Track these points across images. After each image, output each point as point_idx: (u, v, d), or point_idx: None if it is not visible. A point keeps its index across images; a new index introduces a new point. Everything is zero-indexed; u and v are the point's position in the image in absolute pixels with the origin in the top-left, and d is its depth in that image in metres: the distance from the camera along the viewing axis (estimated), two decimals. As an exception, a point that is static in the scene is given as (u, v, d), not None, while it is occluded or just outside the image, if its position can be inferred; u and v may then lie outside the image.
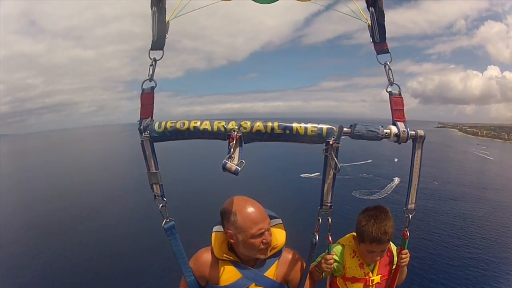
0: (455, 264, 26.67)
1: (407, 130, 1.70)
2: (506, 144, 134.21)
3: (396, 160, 66.80)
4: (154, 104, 1.78)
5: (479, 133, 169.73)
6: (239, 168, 1.57)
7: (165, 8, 1.76)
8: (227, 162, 1.56)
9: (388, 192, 46.86)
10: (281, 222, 1.99)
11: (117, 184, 54.42)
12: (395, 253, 2.12)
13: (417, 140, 1.73)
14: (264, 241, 1.77)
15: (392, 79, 1.78)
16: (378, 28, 1.75)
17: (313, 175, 52.75)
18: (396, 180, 53.56)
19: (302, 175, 57.42)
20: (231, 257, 1.86)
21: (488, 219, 37.42)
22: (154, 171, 1.77)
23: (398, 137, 1.69)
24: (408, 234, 1.97)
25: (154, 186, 1.78)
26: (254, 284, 1.84)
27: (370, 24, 1.78)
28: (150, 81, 1.78)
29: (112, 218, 37.52)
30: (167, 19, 1.78)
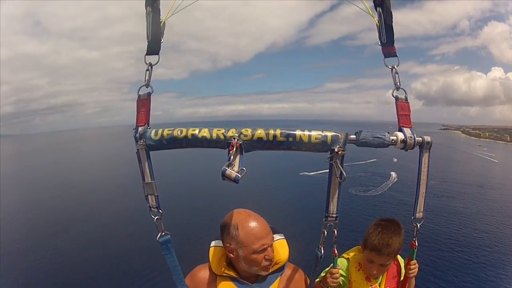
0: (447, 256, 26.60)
1: (414, 136, 1.62)
2: (508, 146, 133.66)
3: (395, 160, 66.98)
4: (150, 111, 1.69)
5: (481, 135, 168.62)
6: (240, 176, 1.47)
7: (159, 9, 1.66)
8: (226, 169, 1.47)
9: (384, 190, 47.15)
10: (284, 237, 1.91)
11: (121, 183, 54.15)
12: (402, 264, 2.07)
13: (424, 146, 1.65)
14: (266, 257, 1.69)
15: (398, 83, 1.70)
16: (385, 29, 1.66)
17: (311, 173, 52.99)
18: (393, 175, 54.05)
19: (301, 174, 57.69)
20: (230, 273, 1.77)
21: (484, 216, 37.39)
22: (150, 181, 1.67)
23: (405, 144, 1.61)
24: (416, 244, 1.89)
25: (149, 197, 1.68)
26: None
27: (378, 24, 1.70)
28: (147, 87, 1.70)
29: (114, 218, 37.21)
30: (162, 19, 1.69)
